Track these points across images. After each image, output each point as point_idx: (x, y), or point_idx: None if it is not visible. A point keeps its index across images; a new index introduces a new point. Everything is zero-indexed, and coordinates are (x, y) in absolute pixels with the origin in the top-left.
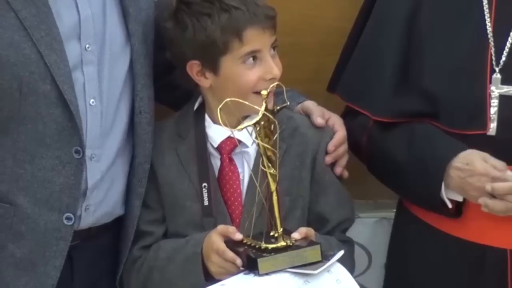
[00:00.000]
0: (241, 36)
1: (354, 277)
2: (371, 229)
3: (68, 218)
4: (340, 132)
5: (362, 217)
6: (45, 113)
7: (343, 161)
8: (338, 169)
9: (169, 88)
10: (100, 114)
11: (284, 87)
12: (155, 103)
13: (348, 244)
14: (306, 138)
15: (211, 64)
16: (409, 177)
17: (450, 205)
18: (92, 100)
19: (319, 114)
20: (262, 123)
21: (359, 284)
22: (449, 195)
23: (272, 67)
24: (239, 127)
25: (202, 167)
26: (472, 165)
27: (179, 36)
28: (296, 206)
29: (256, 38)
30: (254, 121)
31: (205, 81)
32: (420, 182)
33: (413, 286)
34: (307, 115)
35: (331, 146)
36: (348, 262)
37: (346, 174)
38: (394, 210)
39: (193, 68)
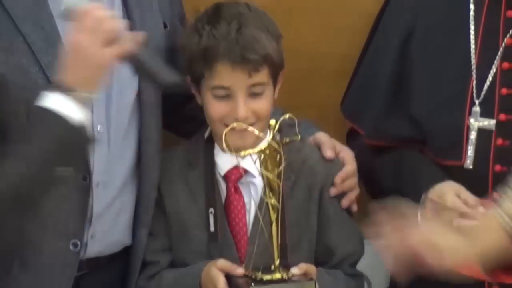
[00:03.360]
0: (211, 67)
1: None
2: (371, 257)
3: (75, 245)
4: (349, 165)
5: (366, 243)
6: None
7: (352, 195)
8: (345, 202)
9: (184, 119)
10: (107, 141)
11: (296, 120)
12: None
13: (357, 278)
14: (315, 171)
15: (194, 82)
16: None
17: None
18: (99, 126)
19: (330, 146)
20: (268, 152)
21: None
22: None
23: (237, 108)
24: (243, 152)
25: (209, 194)
26: (443, 199)
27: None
28: (303, 238)
29: (226, 75)
30: (258, 149)
31: (198, 98)
32: None
33: None
34: (317, 146)
35: (338, 178)
36: None
37: (355, 208)
38: None
39: (188, 81)
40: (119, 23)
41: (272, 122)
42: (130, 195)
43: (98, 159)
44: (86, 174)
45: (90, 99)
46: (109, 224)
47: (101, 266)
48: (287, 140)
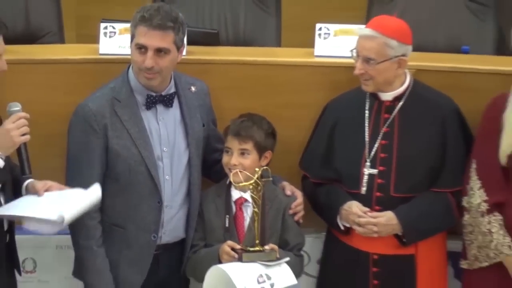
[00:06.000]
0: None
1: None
2: (312, 242)
3: (154, 236)
4: (299, 199)
5: (307, 236)
6: (142, 182)
7: (300, 214)
8: (296, 217)
9: (215, 172)
10: (171, 184)
11: (269, 170)
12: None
13: (301, 257)
14: (281, 201)
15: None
16: (324, 212)
17: (342, 228)
18: (167, 177)
19: (289, 189)
20: (254, 184)
21: (304, 272)
22: (343, 222)
23: (230, 158)
24: (241, 184)
25: (227, 209)
26: (350, 209)
27: None
28: (273, 235)
29: (228, 139)
30: (249, 182)
31: None
32: (329, 215)
33: (328, 271)
34: (283, 188)
35: (293, 205)
36: (298, 268)
37: (301, 220)
38: (324, 233)
39: None
40: (26, 128)
41: (257, 169)
42: (184, 211)
43: (166, 193)
44: (159, 200)
45: (2, 156)
46: (173, 226)
47: (169, 248)
48: (264, 180)
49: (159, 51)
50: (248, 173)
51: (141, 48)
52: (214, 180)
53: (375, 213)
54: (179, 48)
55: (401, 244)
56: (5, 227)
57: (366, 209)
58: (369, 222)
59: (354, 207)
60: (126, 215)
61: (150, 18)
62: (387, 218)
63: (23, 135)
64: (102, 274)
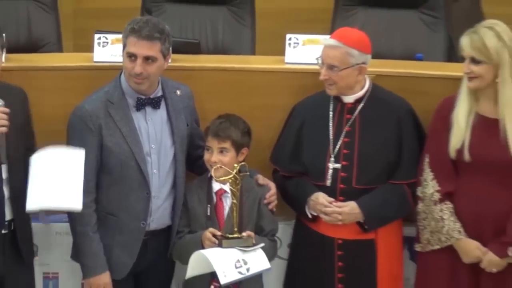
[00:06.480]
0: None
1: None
2: (282, 228)
3: (143, 224)
4: (272, 189)
5: (279, 223)
6: (133, 175)
7: (274, 203)
8: (270, 206)
9: (198, 166)
10: (158, 177)
11: (246, 165)
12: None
13: (274, 242)
14: (256, 191)
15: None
16: (293, 202)
17: (310, 216)
18: (155, 170)
19: (263, 180)
20: (233, 179)
21: (277, 255)
22: (311, 211)
23: (211, 156)
24: (221, 178)
25: (209, 200)
26: (317, 199)
27: None
28: (250, 222)
29: (208, 139)
30: (228, 177)
31: None
32: (298, 205)
33: (297, 255)
34: (257, 180)
35: (267, 196)
36: (272, 251)
37: (274, 209)
38: (294, 220)
39: None
40: (3, 121)
41: (236, 165)
42: (170, 201)
43: (154, 185)
44: (148, 192)
45: None
46: (160, 215)
47: (156, 234)
48: (241, 174)
49: (147, 59)
50: (227, 169)
51: (131, 56)
52: (197, 174)
53: (339, 203)
54: (165, 56)
55: (363, 230)
56: (7, 217)
57: (331, 199)
58: (334, 211)
59: (320, 198)
60: (118, 205)
61: (139, 29)
62: (351, 208)
63: (1, 127)
64: (97, 257)
